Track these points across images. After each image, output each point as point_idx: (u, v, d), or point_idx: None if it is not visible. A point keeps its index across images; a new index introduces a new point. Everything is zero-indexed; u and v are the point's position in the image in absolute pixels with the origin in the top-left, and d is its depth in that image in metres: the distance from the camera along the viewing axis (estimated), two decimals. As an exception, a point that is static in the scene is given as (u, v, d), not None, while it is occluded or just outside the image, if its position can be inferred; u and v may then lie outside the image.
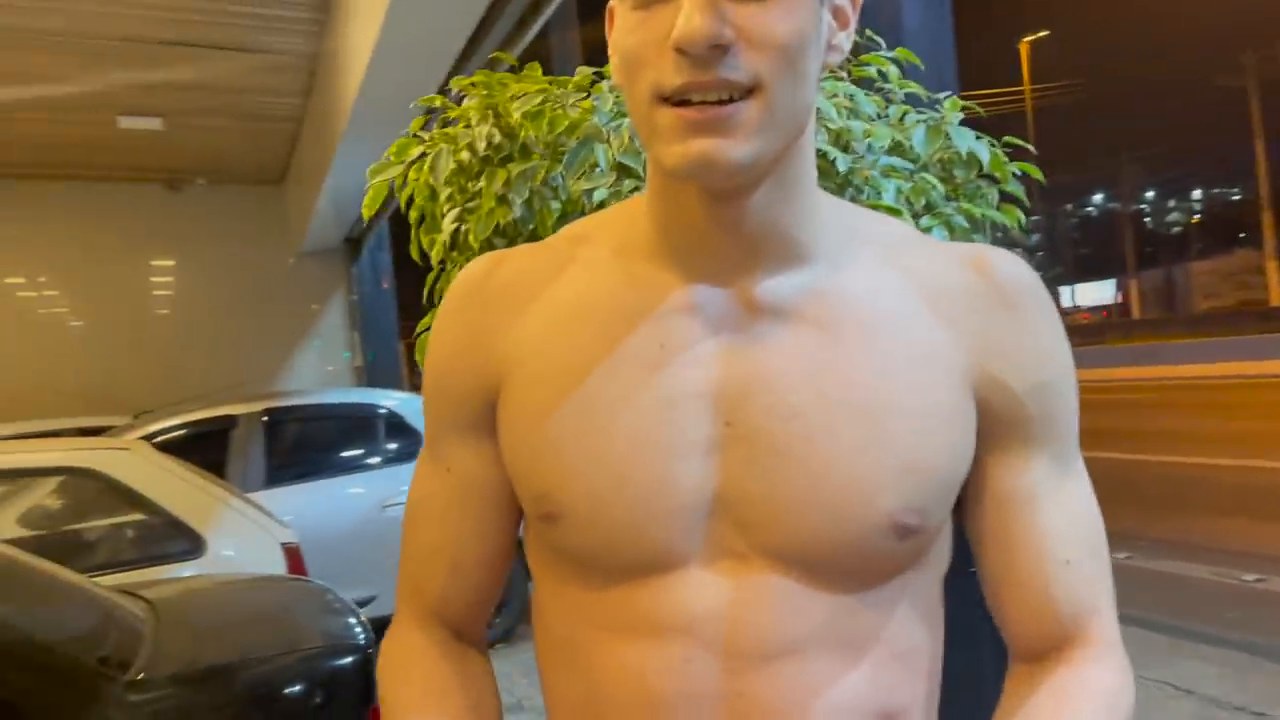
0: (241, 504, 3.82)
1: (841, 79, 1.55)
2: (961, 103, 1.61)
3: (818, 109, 1.42)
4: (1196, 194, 57.85)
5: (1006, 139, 1.66)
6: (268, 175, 10.22)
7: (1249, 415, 11.94)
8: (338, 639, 2.41)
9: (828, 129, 1.44)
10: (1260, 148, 33.72)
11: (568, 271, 0.80)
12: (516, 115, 1.40)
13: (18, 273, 9.79)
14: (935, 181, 1.47)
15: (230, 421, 5.55)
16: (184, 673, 2.10)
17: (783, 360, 0.73)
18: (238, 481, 5.12)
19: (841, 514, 0.70)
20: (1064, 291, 52.69)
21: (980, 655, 1.35)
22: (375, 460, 5.67)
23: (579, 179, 1.37)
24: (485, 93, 1.55)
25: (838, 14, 0.73)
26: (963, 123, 1.59)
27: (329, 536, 4.90)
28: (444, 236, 1.49)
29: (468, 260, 1.58)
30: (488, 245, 1.46)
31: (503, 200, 1.41)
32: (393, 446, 5.69)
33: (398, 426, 5.67)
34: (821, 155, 1.40)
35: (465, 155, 1.49)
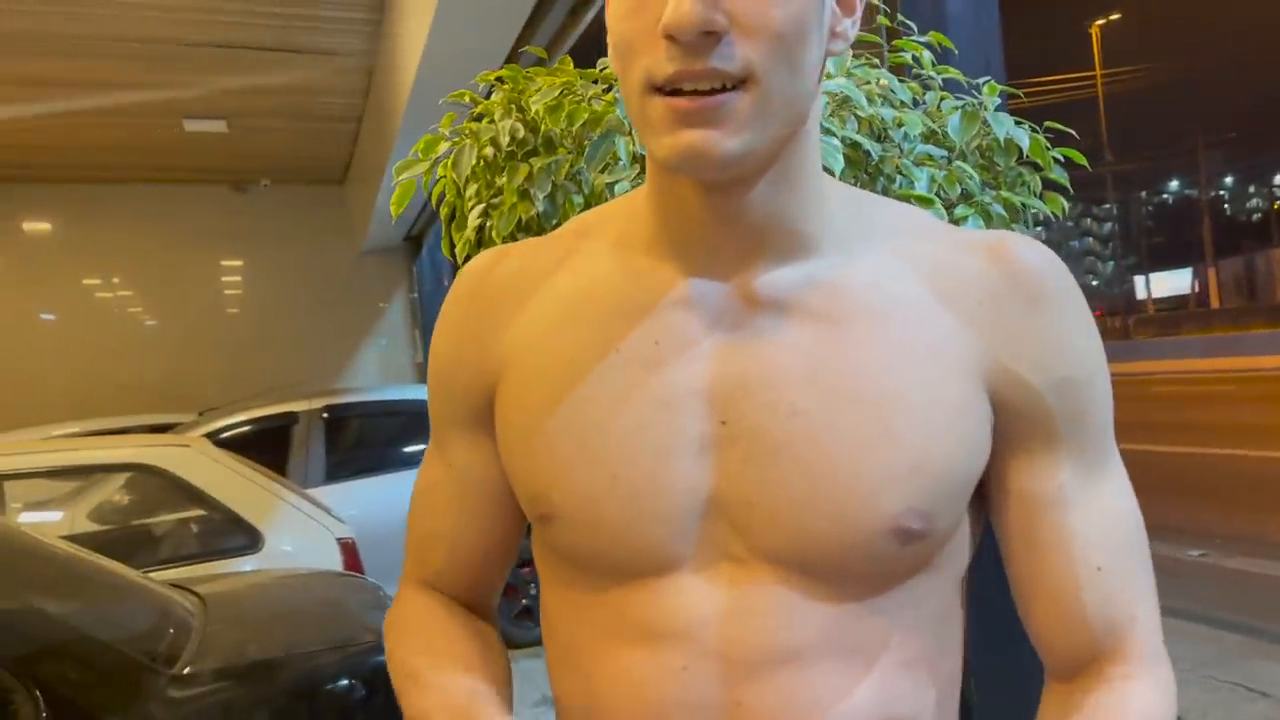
0: (299, 500, 3.89)
1: (876, 65, 1.51)
2: (1000, 87, 1.55)
3: (847, 97, 1.38)
4: (1278, 180, 55.98)
5: (1048, 124, 1.59)
6: (330, 175, 10.40)
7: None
8: (381, 634, 2.42)
9: (857, 117, 1.40)
10: (1347, 129, 32.44)
11: (569, 264, 0.79)
12: (535, 109, 1.38)
13: (94, 274, 10.11)
14: (971, 170, 1.42)
15: (291, 418, 5.65)
16: (229, 667, 2.13)
17: (782, 355, 0.70)
18: (298, 477, 5.22)
19: (842, 517, 0.67)
20: (1138, 280, 51.42)
21: (1022, 653, 1.31)
22: (434, 456, 5.72)
23: (601, 172, 1.35)
24: (510, 87, 1.54)
25: (842, 0, 0.70)
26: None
27: (387, 531, 4.92)
28: (469, 233, 1.48)
29: (493, 256, 1.57)
30: (511, 240, 1.44)
31: (525, 195, 1.40)
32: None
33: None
34: (853, 145, 1.36)
35: (489, 150, 1.48)
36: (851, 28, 0.71)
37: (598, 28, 4.62)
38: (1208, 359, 19.45)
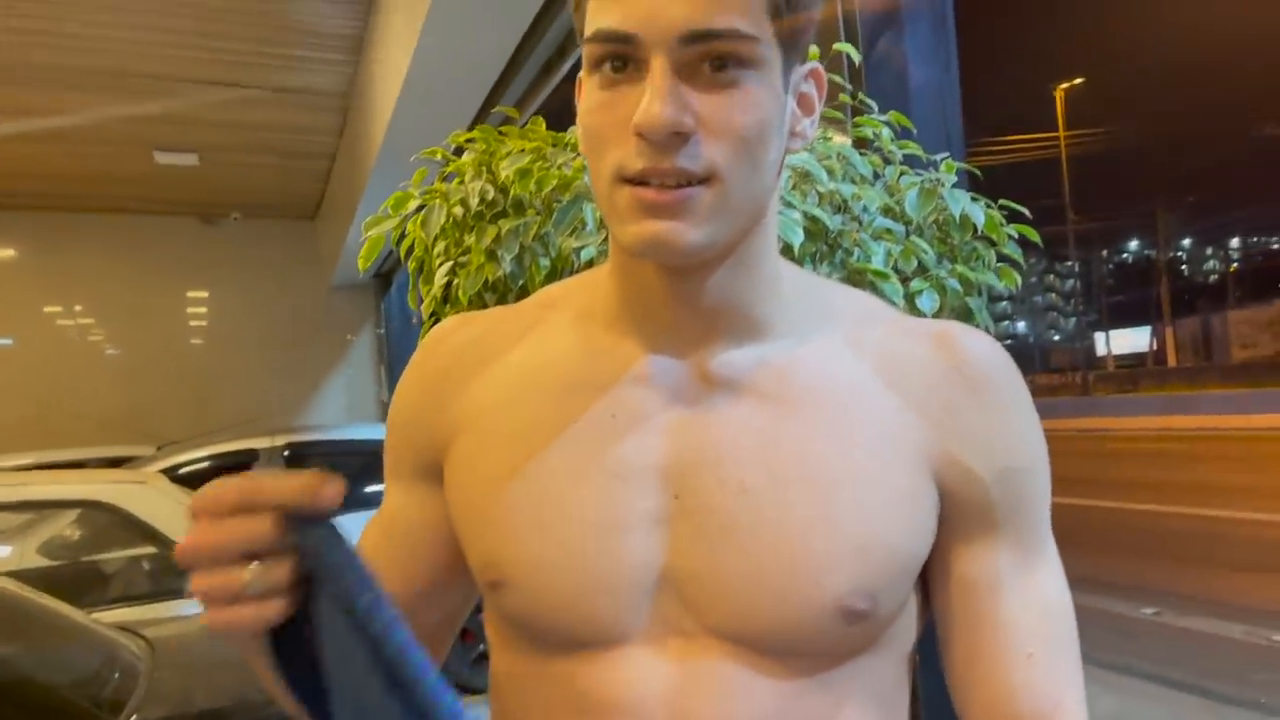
0: (255, 540, 3.82)
1: (829, 139, 1.55)
2: (957, 165, 1.60)
3: (808, 172, 1.42)
4: (1235, 243, 57.30)
5: (1002, 201, 1.64)
6: (301, 210, 10.37)
7: (1284, 469, 11.71)
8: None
9: (819, 192, 1.44)
10: (1301, 197, 33.32)
11: (531, 336, 0.80)
12: (506, 173, 1.41)
13: (54, 302, 9.97)
14: (925, 245, 1.46)
15: (252, 455, 5.60)
16: (176, 716, 2.09)
17: (734, 434, 0.72)
18: (256, 515, 5.13)
19: (787, 595, 0.69)
20: (1099, 337, 52.21)
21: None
22: (395, 496, 5.68)
23: (568, 236, 1.38)
24: (483, 147, 1.56)
25: (803, 101, 0.73)
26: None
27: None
28: (436, 290, 1.50)
29: (458, 314, 1.59)
30: (477, 299, 1.46)
31: (492, 256, 1.42)
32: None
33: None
34: (813, 218, 1.40)
35: (459, 210, 1.50)
36: (810, 127, 0.74)
37: (570, 84, 4.68)
38: (1164, 417, 19.73)
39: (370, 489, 5.83)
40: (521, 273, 1.43)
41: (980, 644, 0.74)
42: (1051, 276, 56.57)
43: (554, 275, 1.45)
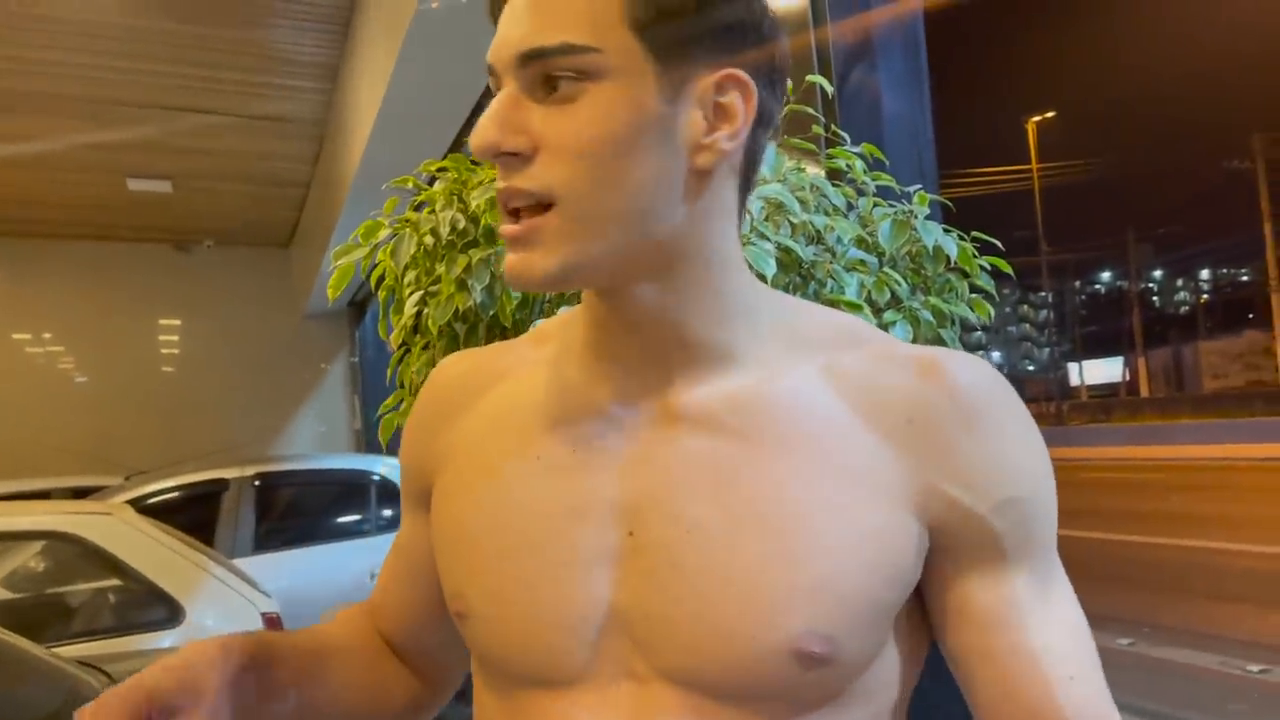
0: (224, 571, 3.77)
1: (802, 170, 1.55)
2: (930, 197, 1.60)
3: (781, 203, 1.41)
4: (1205, 274, 58.17)
5: (974, 234, 1.65)
6: (275, 238, 10.33)
7: (1256, 500, 11.81)
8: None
9: (791, 223, 1.43)
10: (1268, 230, 33.94)
11: (516, 372, 0.81)
12: (477, 202, 1.40)
13: (24, 329, 9.86)
14: (899, 277, 1.46)
15: (222, 485, 5.53)
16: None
17: (689, 470, 0.69)
18: (226, 546, 5.08)
19: (737, 635, 0.65)
20: (1072, 367, 52.71)
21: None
22: (367, 527, 5.63)
23: (539, 266, 1.36)
24: (454, 176, 1.55)
25: (719, 110, 0.67)
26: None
27: (315, 605, 4.84)
28: (405, 319, 1.48)
29: (428, 344, 1.58)
30: (447, 329, 1.45)
31: (462, 285, 1.41)
32: (386, 514, 5.66)
33: (391, 493, 5.63)
34: (786, 249, 1.39)
35: (429, 239, 1.49)
36: (727, 140, 0.68)
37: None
38: (1137, 447, 19.90)
39: (343, 519, 5.78)
40: (492, 302, 1.42)
41: (1019, 675, 0.69)
42: (1025, 307, 57.18)
43: (525, 305, 1.44)
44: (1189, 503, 12.03)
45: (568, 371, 0.76)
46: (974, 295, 1.66)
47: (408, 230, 1.50)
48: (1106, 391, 50.33)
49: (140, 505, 4.82)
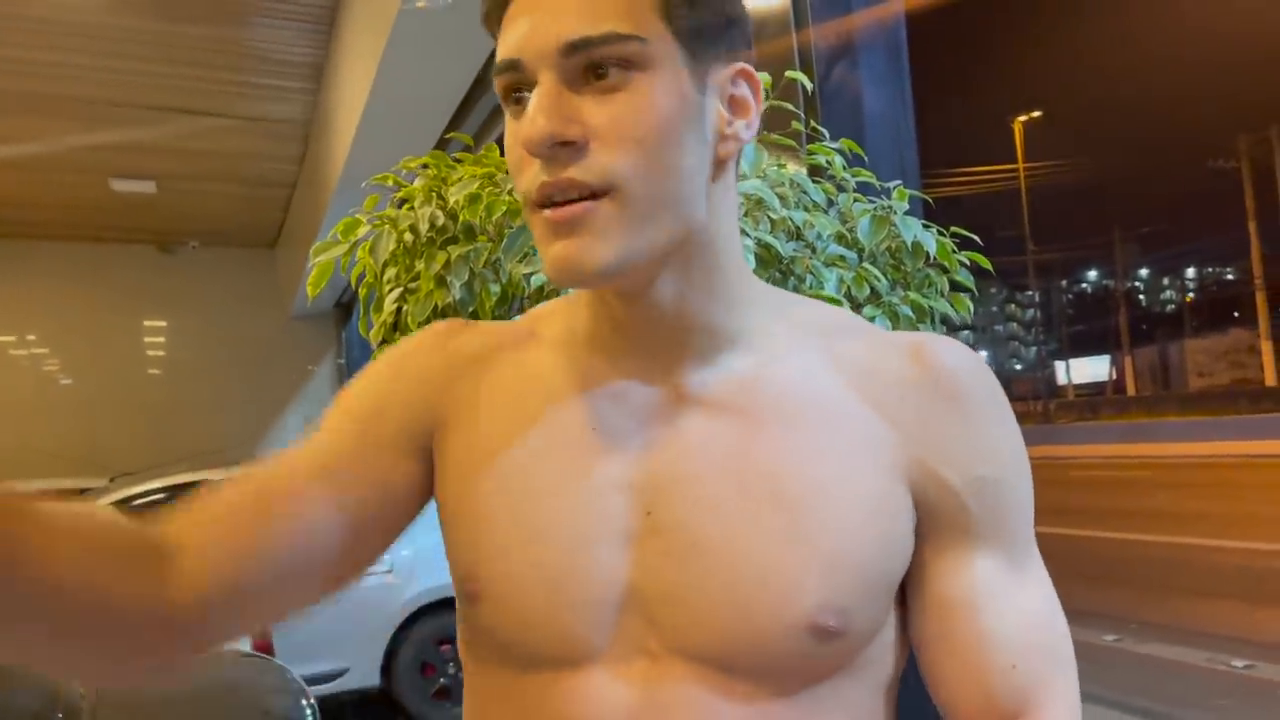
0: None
1: (783, 166, 1.56)
2: (910, 192, 1.61)
3: (761, 199, 1.42)
4: (1190, 273, 58.52)
5: (954, 229, 1.65)
6: (261, 239, 10.30)
7: (1241, 496, 11.89)
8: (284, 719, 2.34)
9: (771, 219, 1.44)
10: (1253, 229, 34.20)
11: (519, 352, 0.80)
12: (456, 198, 1.40)
13: (8, 330, 9.82)
14: (878, 272, 1.46)
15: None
16: (118, 756, 2.03)
17: (706, 451, 0.71)
18: (211, 548, 5.05)
19: (757, 612, 0.67)
20: (1059, 366, 52.95)
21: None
22: (353, 528, 5.61)
23: (519, 262, 1.37)
24: (434, 173, 1.55)
25: (734, 103, 0.71)
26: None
27: (301, 607, 4.82)
28: (385, 317, 1.48)
29: (408, 341, 1.57)
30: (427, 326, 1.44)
31: (442, 282, 1.40)
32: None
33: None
34: (765, 245, 1.40)
35: (409, 236, 1.49)
36: (745, 130, 0.71)
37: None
38: (1123, 445, 20.00)
39: (329, 520, 5.76)
40: (471, 299, 1.42)
41: (960, 657, 0.72)
42: (1012, 306, 57.43)
43: (504, 301, 1.44)
44: (1175, 500, 12.10)
45: (578, 355, 0.77)
46: (954, 292, 1.67)
47: (387, 227, 1.49)
48: (1093, 390, 50.58)
49: (126, 507, 4.79)
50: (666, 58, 0.65)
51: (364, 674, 5.01)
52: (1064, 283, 58.26)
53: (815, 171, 1.70)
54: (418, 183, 1.56)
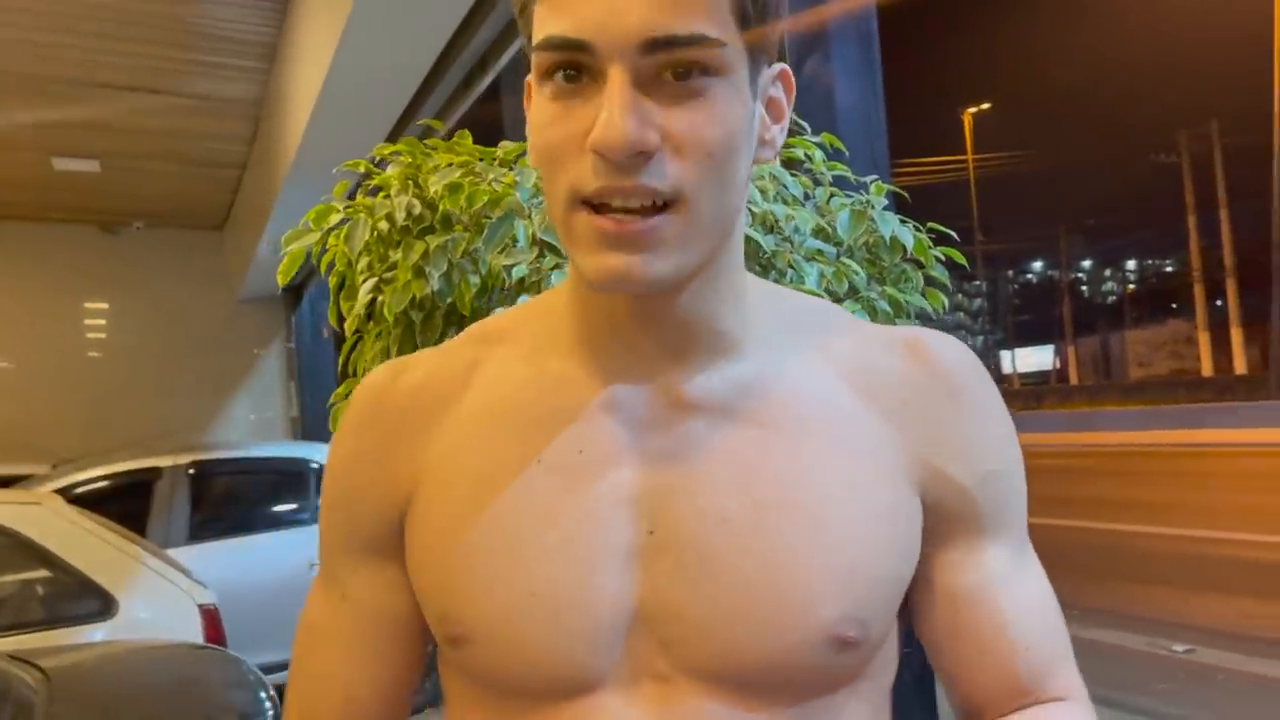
0: (158, 563, 3.69)
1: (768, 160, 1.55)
2: (887, 187, 1.61)
3: (742, 191, 1.41)
4: (1131, 265, 59.75)
5: (930, 225, 1.66)
6: (209, 220, 10.09)
7: (1179, 485, 12.17)
8: (243, 713, 2.30)
9: (752, 212, 1.43)
10: (1192, 222, 35.01)
11: (480, 374, 0.75)
12: (435, 188, 1.37)
13: (-58, 312, 9.53)
14: (857, 267, 1.46)
15: (155, 473, 5.41)
16: (73, 753, 1.98)
17: (711, 462, 0.68)
18: (160, 536, 4.97)
19: (777, 627, 0.65)
20: (1005, 355, 53.83)
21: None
22: (306, 516, 5.54)
23: (499, 254, 1.34)
24: (409, 160, 1.52)
25: (771, 106, 0.68)
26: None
27: (254, 595, 4.77)
28: (359, 307, 1.45)
29: (382, 331, 1.54)
30: (403, 317, 1.42)
31: (419, 273, 1.38)
32: (324, 502, 5.58)
33: (330, 481, 5.55)
34: (746, 239, 1.39)
35: (384, 225, 1.45)
36: (780, 134, 0.69)
37: (492, 100, 4.63)
38: (1066, 434, 20.38)
39: (281, 508, 5.69)
40: (450, 290, 1.39)
41: (984, 648, 0.71)
42: (960, 296, 58.23)
43: (484, 293, 1.42)
44: (1115, 488, 12.35)
45: (556, 367, 0.72)
46: (928, 286, 1.68)
47: (362, 215, 1.46)
48: (1038, 379, 51.50)
49: (69, 495, 4.68)
50: (738, 63, 0.62)
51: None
52: (1010, 273, 59.20)
53: (790, 165, 1.69)
54: (392, 170, 1.53)
